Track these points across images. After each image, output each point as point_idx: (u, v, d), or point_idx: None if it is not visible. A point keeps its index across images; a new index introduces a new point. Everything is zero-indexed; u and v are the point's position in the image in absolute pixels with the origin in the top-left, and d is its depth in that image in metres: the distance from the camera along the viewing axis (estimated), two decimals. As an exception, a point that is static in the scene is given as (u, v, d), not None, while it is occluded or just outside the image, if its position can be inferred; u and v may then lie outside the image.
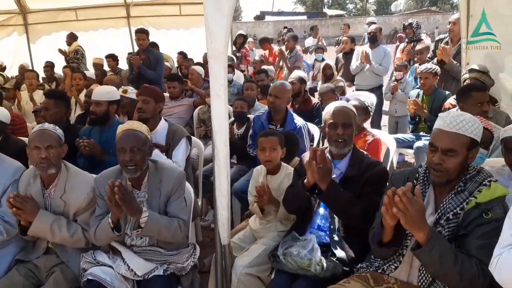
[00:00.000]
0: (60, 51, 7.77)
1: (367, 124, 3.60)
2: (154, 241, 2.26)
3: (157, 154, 2.72)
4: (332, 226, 2.18)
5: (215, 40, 1.81)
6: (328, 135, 2.29)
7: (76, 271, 2.26)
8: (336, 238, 2.15)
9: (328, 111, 2.33)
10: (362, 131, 3.24)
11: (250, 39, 11.06)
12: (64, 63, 7.84)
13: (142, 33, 5.40)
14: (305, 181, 2.14)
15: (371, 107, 3.33)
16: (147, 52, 5.48)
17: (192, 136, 3.28)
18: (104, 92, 3.21)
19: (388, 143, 3.36)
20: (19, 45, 8.69)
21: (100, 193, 2.22)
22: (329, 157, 2.23)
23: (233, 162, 3.96)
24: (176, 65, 7.89)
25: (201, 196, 3.53)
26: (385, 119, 5.91)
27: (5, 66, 8.26)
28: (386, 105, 5.77)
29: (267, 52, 8.39)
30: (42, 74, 7.46)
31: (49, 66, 7.52)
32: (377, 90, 5.69)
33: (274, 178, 2.64)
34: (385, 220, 1.62)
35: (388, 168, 3.27)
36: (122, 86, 3.95)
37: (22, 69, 7.82)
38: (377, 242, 1.75)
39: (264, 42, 8.62)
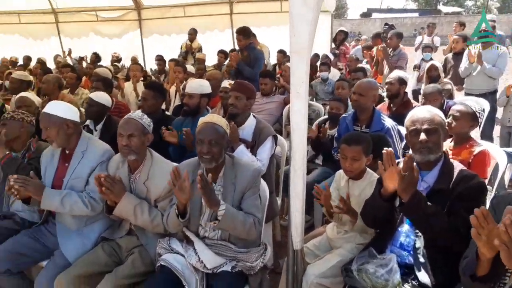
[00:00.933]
0: (188, 46, 8.18)
1: (475, 133, 3.16)
2: (226, 236, 2.24)
3: (241, 150, 2.71)
4: (417, 246, 1.92)
5: (298, 35, 1.69)
6: (411, 143, 2.04)
7: (153, 255, 2.34)
8: (421, 259, 1.89)
9: (409, 117, 2.08)
10: (468, 141, 2.85)
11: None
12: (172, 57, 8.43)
13: (239, 34, 5.48)
14: (382, 189, 1.93)
15: (480, 114, 2.90)
16: (248, 50, 5.56)
17: (278, 135, 3.22)
18: (197, 86, 3.33)
19: (497, 157, 2.90)
20: (134, 39, 9.53)
21: (180, 182, 2.26)
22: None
23: (318, 164, 3.81)
24: (272, 62, 7.94)
25: (281, 195, 3.44)
26: (497, 130, 5.19)
27: (120, 58, 9.13)
28: (500, 113, 5.05)
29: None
30: (154, 66, 8.10)
31: (161, 59, 8.11)
32: (490, 95, 5.02)
33: (356, 184, 2.45)
34: (481, 251, 1.36)
35: (495, 186, 2.84)
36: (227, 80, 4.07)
37: (133, 61, 8.57)
38: (470, 275, 1.48)
39: (377, 38, 8.12)
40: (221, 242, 2.25)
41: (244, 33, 5.49)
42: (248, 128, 2.98)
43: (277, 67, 7.58)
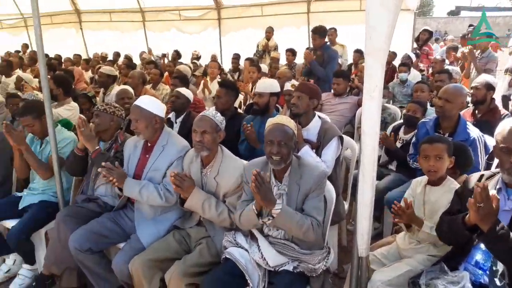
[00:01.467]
0: (265, 44, 8.30)
1: None
2: (289, 236, 2.26)
3: (306, 151, 2.70)
4: (495, 268, 1.77)
5: (375, 36, 1.64)
6: (500, 159, 1.86)
7: (219, 247, 2.44)
8: (498, 282, 1.74)
9: (500, 130, 1.87)
10: None
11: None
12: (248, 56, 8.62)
13: (314, 33, 5.44)
14: (466, 217, 1.79)
15: None
16: (322, 49, 5.50)
17: (346, 137, 3.15)
18: (267, 85, 3.37)
19: None
20: (212, 37, 9.89)
21: (247, 180, 2.31)
22: (503, 186, 1.81)
23: (391, 169, 3.67)
24: (349, 62, 7.76)
25: (349, 199, 3.37)
26: None
27: (200, 56, 9.52)
28: None
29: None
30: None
31: (236, 58, 8.35)
32: None
33: (434, 190, 2.32)
34: None
35: None
36: (292, 80, 4.07)
37: (213, 58, 8.89)
38: None
39: (464, 39, 7.56)
40: (284, 242, 2.26)
41: (320, 32, 5.44)
42: (312, 128, 2.96)
43: (352, 66, 7.40)
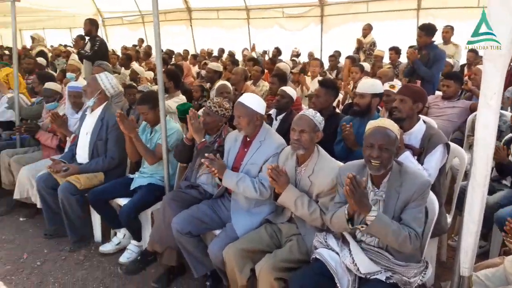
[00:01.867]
0: (359, 41, 8.16)
1: None
2: (383, 244, 2.18)
3: (406, 157, 2.56)
4: None
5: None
6: None
7: (309, 246, 2.45)
8: None
9: None
10: None
11: None
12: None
13: (421, 30, 5.12)
14: None
15: None
16: (428, 48, 5.16)
17: (454, 144, 2.92)
18: (369, 85, 3.26)
19: None
20: (313, 34, 9.86)
21: (342, 182, 2.28)
22: None
23: (505, 185, 3.31)
24: (461, 62, 7.13)
25: (453, 212, 3.12)
26: None
27: (300, 53, 9.57)
28: None
29: None
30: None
31: (334, 56, 8.24)
32: None
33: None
34: None
35: None
36: (389, 82, 3.89)
37: (310, 56, 8.88)
38: None
39: None
40: (378, 250, 2.19)
41: (427, 30, 5.10)
42: (416, 133, 2.78)
43: (465, 68, 6.78)
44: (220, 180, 2.77)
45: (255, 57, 8.50)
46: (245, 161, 2.82)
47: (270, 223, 2.71)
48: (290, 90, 3.98)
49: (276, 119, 3.96)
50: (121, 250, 3.42)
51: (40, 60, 7.07)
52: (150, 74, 7.21)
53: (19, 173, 3.85)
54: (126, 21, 14.14)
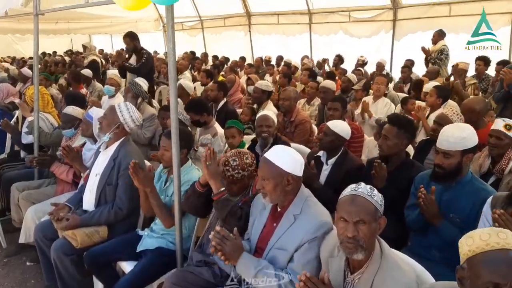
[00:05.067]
0: (423, 50, 7.12)
1: None
2: None
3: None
4: None
5: None
6: None
7: None
8: None
9: None
10: None
11: None
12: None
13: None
14: None
15: None
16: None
17: None
18: (458, 139, 2.21)
19: None
20: (384, 40, 8.68)
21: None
22: None
23: None
24: None
25: None
26: None
27: (366, 62, 8.43)
28: None
29: None
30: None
31: (408, 66, 7.11)
32: None
33: None
34: None
35: None
36: (503, 119, 2.79)
37: (379, 67, 7.76)
38: None
39: None
40: None
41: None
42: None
43: None
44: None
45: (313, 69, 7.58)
46: (272, 242, 2.02)
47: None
48: (337, 126, 3.03)
49: (326, 163, 3.06)
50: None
51: (86, 71, 6.74)
52: (200, 88, 6.63)
53: (25, 213, 3.36)
54: (186, 26, 13.86)
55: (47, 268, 2.99)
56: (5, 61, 12.46)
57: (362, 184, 1.68)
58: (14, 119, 4.81)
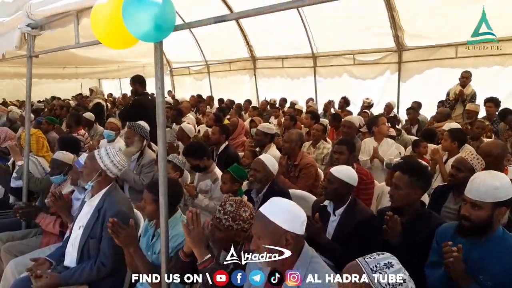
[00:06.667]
0: (461, 92, 6.67)
1: None
2: None
3: None
4: None
5: None
6: None
7: None
8: None
9: None
10: None
11: None
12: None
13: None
14: None
15: None
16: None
17: None
18: (491, 189, 1.92)
19: None
20: (389, 82, 8.58)
21: None
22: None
23: None
24: None
25: None
26: None
27: (372, 104, 8.31)
28: None
29: None
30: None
31: (413, 108, 7.04)
32: None
33: None
34: None
35: None
36: None
37: (388, 108, 7.63)
38: None
39: None
40: None
41: None
42: None
43: None
44: None
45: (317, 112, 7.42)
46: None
47: None
48: (342, 172, 2.77)
49: (334, 214, 2.78)
50: None
51: (88, 115, 6.65)
52: (205, 131, 6.43)
53: (6, 266, 3.08)
54: (193, 71, 14.03)
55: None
56: (13, 105, 12.55)
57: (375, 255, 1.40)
58: (9, 163, 4.63)
